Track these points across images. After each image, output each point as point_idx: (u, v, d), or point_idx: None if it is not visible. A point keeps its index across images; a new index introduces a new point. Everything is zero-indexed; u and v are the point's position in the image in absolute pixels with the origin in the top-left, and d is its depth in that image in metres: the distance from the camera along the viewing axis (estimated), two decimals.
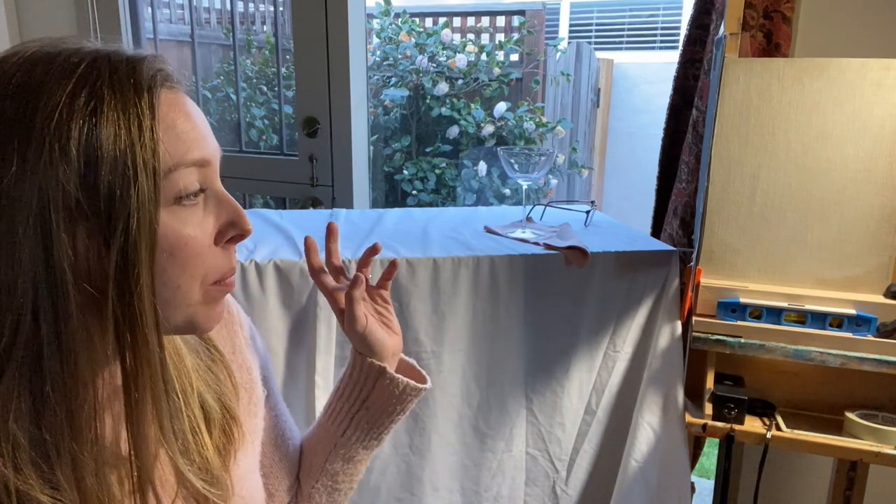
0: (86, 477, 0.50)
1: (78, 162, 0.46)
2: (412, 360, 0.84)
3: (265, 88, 3.53)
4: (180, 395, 0.59)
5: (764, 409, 1.18)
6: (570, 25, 6.26)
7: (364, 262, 0.81)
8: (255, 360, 0.75)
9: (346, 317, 0.78)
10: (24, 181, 0.46)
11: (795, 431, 1.12)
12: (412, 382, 0.78)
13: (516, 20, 4.36)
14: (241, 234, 0.56)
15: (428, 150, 3.94)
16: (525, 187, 1.36)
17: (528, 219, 1.44)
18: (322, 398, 1.16)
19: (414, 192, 3.84)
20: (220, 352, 0.68)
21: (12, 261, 0.46)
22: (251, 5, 3.51)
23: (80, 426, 0.50)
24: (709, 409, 1.16)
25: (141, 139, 0.48)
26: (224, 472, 0.62)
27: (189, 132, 0.52)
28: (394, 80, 3.96)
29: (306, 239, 0.80)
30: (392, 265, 0.83)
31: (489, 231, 1.37)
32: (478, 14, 4.50)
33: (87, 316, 0.49)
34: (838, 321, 1.10)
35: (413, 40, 3.94)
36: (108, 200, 0.47)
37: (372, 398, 0.78)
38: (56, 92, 0.47)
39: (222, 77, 3.27)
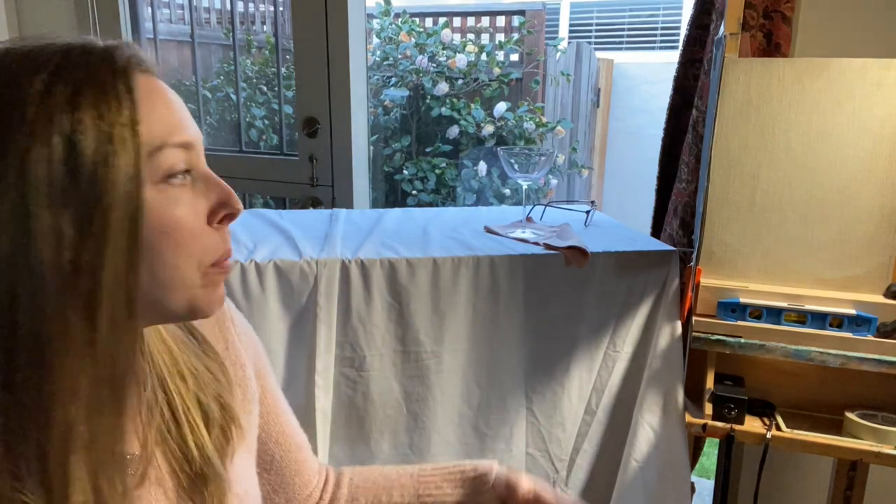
0: (51, 468, 0.48)
1: (60, 148, 0.47)
2: None
3: (265, 88, 3.53)
4: (174, 392, 0.59)
5: (764, 409, 1.18)
6: (570, 25, 6.26)
7: None
8: (249, 357, 0.75)
9: None
10: (5, 171, 0.46)
11: (795, 431, 1.12)
12: None
13: (516, 20, 4.36)
14: (232, 214, 0.56)
15: (428, 150, 3.94)
16: (525, 187, 1.36)
17: (528, 219, 1.44)
18: (322, 398, 1.16)
19: (414, 192, 3.84)
20: (214, 350, 0.68)
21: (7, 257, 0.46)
22: (251, 5, 3.51)
23: (52, 416, 0.48)
24: (709, 409, 1.16)
25: (120, 119, 0.48)
26: (223, 470, 0.62)
27: (169, 116, 0.53)
28: (394, 80, 3.96)
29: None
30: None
31: (489, 231, 1.37)
32: (478, 14, 4.50)
33: (66, 301, 0.48)
34: (838, 321, 1.10)
35: (413, 40, 3.94)
36: (89, 182, 0.47)
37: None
38: (34, 82, 0.47)
39: (222, 77, 3.27)
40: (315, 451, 1.17)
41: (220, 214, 0.55)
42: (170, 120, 0.53)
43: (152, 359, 0.60)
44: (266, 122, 3.35)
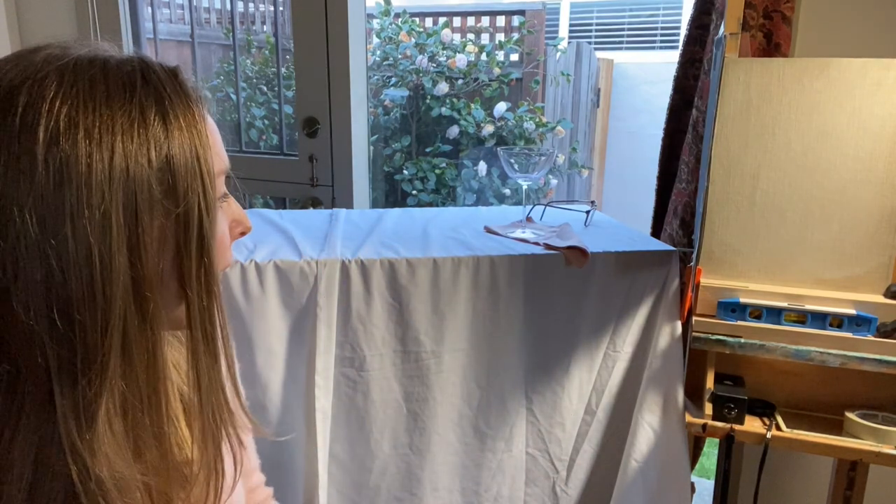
0: (168, 457, 0.56)
1: (157, 168, 0.51)
2: None
3: (265, 88, 3.53)
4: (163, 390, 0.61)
5: (764, 409, 1.18)
6: (570, 25, 6.26)
7: None
8: None
9: None
10: (111, 186, 0.49)
11: (795, 431, 1.12)
12: None
13: (516, 20, 4.36)
14: (244, 231, 0.63)
15: (428, 150, 3.94)
16: (525, 187, 1.36)
17: (528, 219, 1.44)
18: (322, 398, 1.16)
19: (414, 192, 3.84)
20: None
21: (102, 270, 0.49)
22: (251, 5, 3.51)
23: (163, 421, 0.55)
24: (709, 409, 1.16)
25: (202, 145, 0.53)
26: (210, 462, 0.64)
27: (216, 144, 0.58)
28: (394, 80, 3.96)
29: None
30: None
31: (489, 231, 1.37)
32: (478, 14, 4.50)
33: (168, 312, 0.54)
34: (838, 321, 1.10)
35: (413, 40, 3.94)
36: (184, 202, 0.52)
37: None
38: (127, 104, 0.50)
39: (222, 77, 3.27)
40: (315, 450, 1.17)
41: (237, 231, 0.63)
42: (218, 145, 0.59)
43: None
44: (266, 122, 3.35)
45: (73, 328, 0.48)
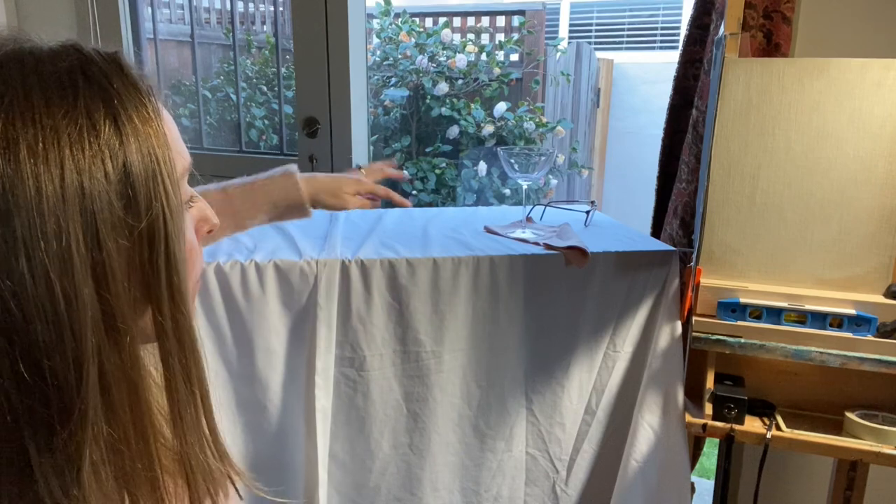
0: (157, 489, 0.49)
1: (115, 181, 0.44)
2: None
3: (265, 88, 3.53)
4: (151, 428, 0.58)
5: (764, 409, 1.18)
6: (570, 25, 6.26)
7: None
8: None
9: (344, 187, 1.10)
10: (66, 209, 0.43)
11: (795, 431, 1.12)
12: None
13: (516, 20, 4.36)
14: (212, 229, 0.57)
15: (428, 150, 3.94)
16: (525, 187, 1.36)
17: (528, 219, 1.44)
18: (322, 398, 1.16)
19: (414, 192, 3.84)
20: None
21: (68, 307, 0.43)
22: (251, 5, 3.51)
23: (154, 464, 0.49)
24: (709, 409, 1.16)
25: (161, 145, 0.47)
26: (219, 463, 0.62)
27: (177, 140, 0.51)
28: (394, 80, 3.96)
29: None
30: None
31: (489, 231, 1.37)
32: (478, 14, 4.50)
33: (142, 341, 0.48)
34: (838, 321, 1.10)
35: (413, 40, 3.94)
36: (148, 216, 0.46)
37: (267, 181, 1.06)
38: (71, 109, 0.43)
39: (222, 77, 3.27)
40: (315, 450, 1.17)
41: (203, 231, 0.56)
42: (178, 146, 0.51)
43: None
44: (266, 122, 3.35)
45: (42, 376, 0.42)
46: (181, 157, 0.51)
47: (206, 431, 0.53)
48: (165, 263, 0.47)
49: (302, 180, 1.08)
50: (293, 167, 1.09)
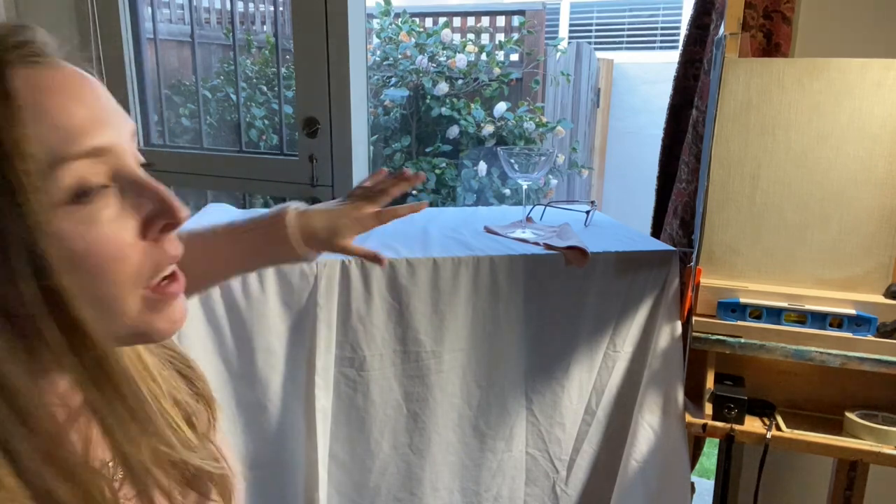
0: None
1: None
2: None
3: (265, 88, 3.53)
4: (149, 397, 0.55)
5: (764, 409, 1.18)
6: (570, 25, 6.26)
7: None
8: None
9: (348, 223, 0.88)
10: None
11: (795, 431, 1.12)
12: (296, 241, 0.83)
13: (516, 20, 4.36)
14: (172, 223, 0.47)
15: (428, 150, 3.94)
16: (525, 187, 1.36)
17: (528, 219, 1.44)
18: (322, 398, 1.16)
19: (414, 192, 3.84)
20: (178, 350, 0.64)
21: None
22: (251, 5, 3.51)
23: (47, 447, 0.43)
24: (709, 409, 1.16)
25: (8, 118, 0.39)
26: (223, 467, 0.59)
27: (69, 118, 0.42)
28: (394, 80, 3.96)
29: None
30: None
31: (489, 231, 1.37)
32: (478, 14, 4.50)
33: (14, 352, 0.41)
34: (838, 321, 1.10)
35: (413, 40, 3.94)
36: None
37: (258, 232, 0.84)
38: None
39: (222, 77, 3.27)
40: (315, 450, 1.17)
41: (157, 226, 0.46)
42: (70, 124, 0.42)
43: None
44: (266, 122, 3.35)
45: None
46: (77, 132, 0.42)
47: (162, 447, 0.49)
48: (30, 267, 0.39)
49: (295, 216, 0.86)
50: (295, 205, 0.87)
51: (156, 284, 0.47)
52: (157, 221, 0.46)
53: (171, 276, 0.49)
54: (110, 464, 0.52)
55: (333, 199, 2.03)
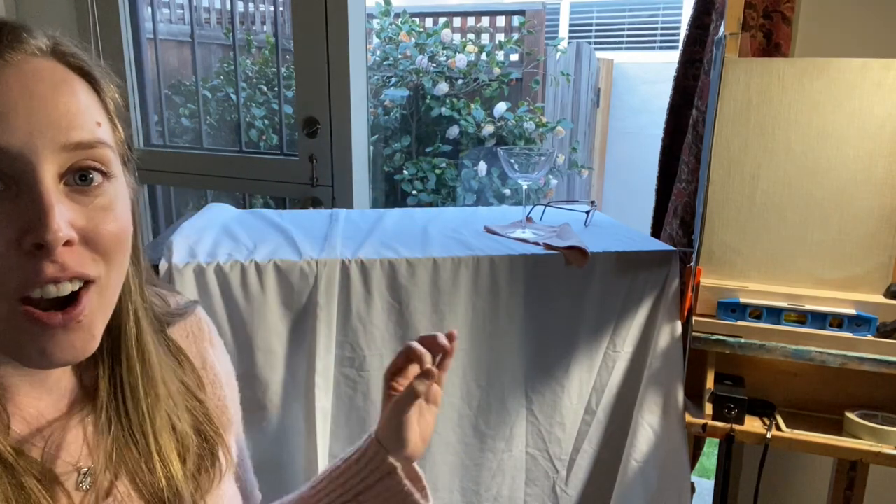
0: None
1: None
2: (422, 472, 0.75)
3: (265, 88, 3.53)
4: (145, 414, 0.55)
5: (764, 409, 1.18)
6: (570, 25, 6.26)
7: (442, 366, 0.71)
8: (226, 382, 0.72)
9: (394, 403, 0.71)
10: None
11: (795, 431, 1.12)
12: (417, 496, 0.70)
13: (516, 20, 4.36)
14: (39, 245, 0.44)
15: (428, 150, 3.94)
16: (525, 187, 1.36)
17: (528, 219, 1.44)
18: (322, 398, 1.16)
19: (414, 192, 3.84)
20: (192, 365, 0.64)
21: None
22: (251, 5, 3.51)
23: None
24: (709, 409, 1.16)
25: None
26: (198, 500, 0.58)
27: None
28: (394, 80, 3.96)
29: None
30: (446, 355, 0.72)
31: (489, 231, 1.37)
32: (478, 14, 4.50)
33: None
34: (838, 321, 1.10)
35: (413, 40, 3.94)
36: None
37: (369, 494, 0.70)
38: None
39: (222, 77, 3.27)
40: (315, 450, 1.17)
41: (26, 244, 0.44)
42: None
43: (120, 371, 0.56)
44: (266, 122, 3.35)
45: None
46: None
47: None
48: None
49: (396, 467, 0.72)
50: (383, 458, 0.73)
51: (37, 301, 0.45)
52: (26, 237, 0.44)
53: (64, 307, 0.45)
54: (83, 471, 0.52)
55: (333, 199, 2.04)
